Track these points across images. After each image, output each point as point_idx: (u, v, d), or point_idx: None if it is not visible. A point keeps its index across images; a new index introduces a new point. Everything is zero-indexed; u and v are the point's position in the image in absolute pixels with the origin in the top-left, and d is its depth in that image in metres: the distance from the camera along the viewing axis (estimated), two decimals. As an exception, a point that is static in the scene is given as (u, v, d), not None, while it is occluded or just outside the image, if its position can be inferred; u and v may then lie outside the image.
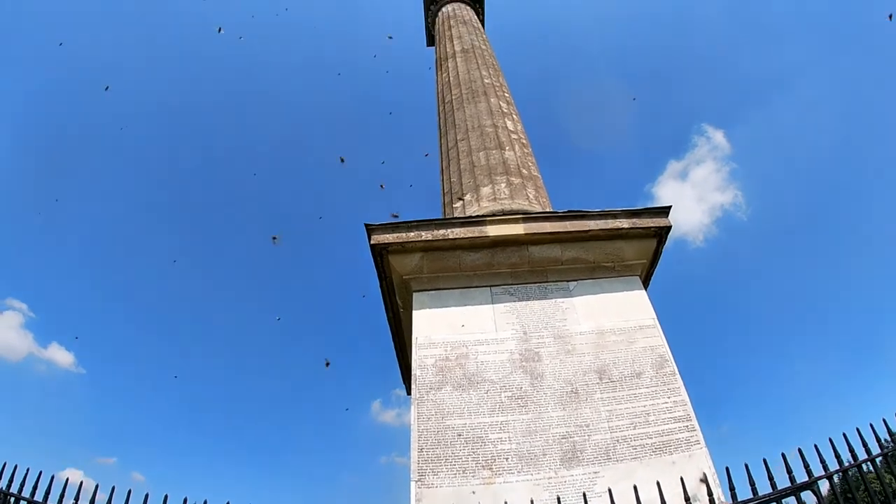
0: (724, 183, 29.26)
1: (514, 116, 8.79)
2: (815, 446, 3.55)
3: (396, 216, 7.71)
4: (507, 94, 9.34)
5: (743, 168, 29.70)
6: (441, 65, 10.89)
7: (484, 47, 10.93)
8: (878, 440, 3.57)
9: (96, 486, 3.74)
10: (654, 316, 5.27)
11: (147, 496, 3.50)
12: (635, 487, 3.37)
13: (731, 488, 3.46)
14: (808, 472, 3.47)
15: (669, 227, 5.79)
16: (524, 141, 8.32)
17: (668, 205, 5.86)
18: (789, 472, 3.45)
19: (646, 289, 5.69)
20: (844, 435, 3.62)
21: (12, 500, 3.63)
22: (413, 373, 4.88)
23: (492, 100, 8.78)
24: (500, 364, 4.92)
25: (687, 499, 3.39)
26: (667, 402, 4.57)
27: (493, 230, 5.76)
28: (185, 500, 3.67)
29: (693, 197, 30.28)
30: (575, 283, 5.62)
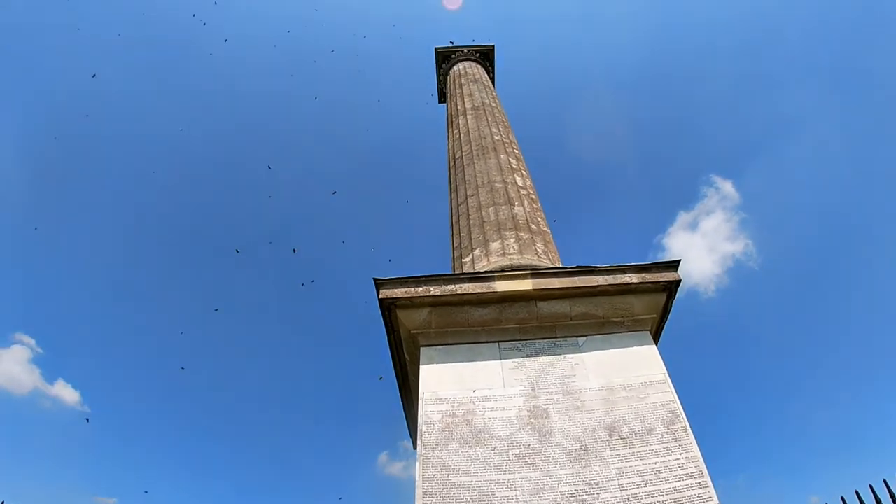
0: (735, 233, 29.33)
1: (524, 172, 9.10)
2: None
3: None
4: (516, 151, 9.69)
5: (753, 217, 29.83)
6: (452, 121, 11.36)
7: (494, 104, 11.40)
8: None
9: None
10: (665, 371, 5.34)
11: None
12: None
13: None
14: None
15: (679, 282, 5.91)
16: (533, 196, 8.58)
17: (677, 259, 6.00)
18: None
19: (656, 343, 5.77)
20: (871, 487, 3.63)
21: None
22: (419, 428, 4.96)
23: (501, 156, 9.12)
24: (508, 421, 4.98)
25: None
26: (678, 459, 4.58)
27: (502, 286, 5.92)
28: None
29: (704, 247, 30.34)
30: (584, 338, 5.72)
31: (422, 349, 5.70)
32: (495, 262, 7.09)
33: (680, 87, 32.90)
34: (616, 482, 4.49)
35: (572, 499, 4.39)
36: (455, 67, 14.30)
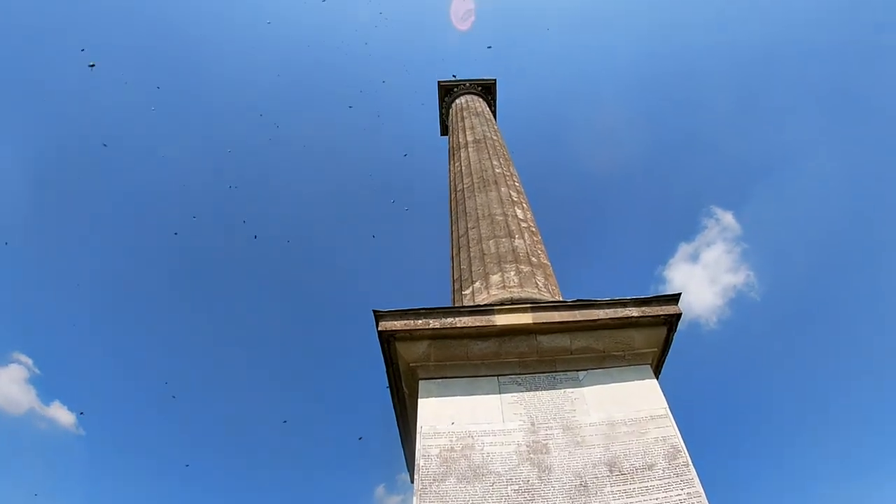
0: (736, 264, 29.44)
1: (524, 205, 9.28)
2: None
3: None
4: (517, 184, 9.89)
5: (754, 248, 29.98)
6: (454, 154, 11.60)
7: (495, 138, 11.67)
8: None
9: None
10: (666, 405, 5.39)
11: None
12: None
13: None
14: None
15: (680, 315, 6.00)
16: (534, 229, 8.74)
17: (677, 292, 6.11)
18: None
19: (657, 377, 5.83)
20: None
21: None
22: (416, 462, 5.00)
23: (502, 189, 9.30)
24: (507, 456, 5.02)
25: None
26: (680, 495, 4.60)
27: (502, 319, 6.02)
28: None
29: (705, 279, 30.43)
30: (584, 372, 5.79)
31: (420, 382, 5.77)
32: (495, 294, 7.20)
33: (679, 118, 33.43)
34: (616, 519, 4.51)
35: (572, 536, 4.41)
36: (457, 101, 14.65)
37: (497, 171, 9.94)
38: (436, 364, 5.90)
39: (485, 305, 6.42)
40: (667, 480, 4.74)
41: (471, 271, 7.91)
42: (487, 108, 14.13)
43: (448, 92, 15.78)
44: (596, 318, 5.98)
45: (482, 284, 7.56)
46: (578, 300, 6.16)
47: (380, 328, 5.98)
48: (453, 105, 14.66)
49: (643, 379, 5.71)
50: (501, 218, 8.57)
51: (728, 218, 31.29)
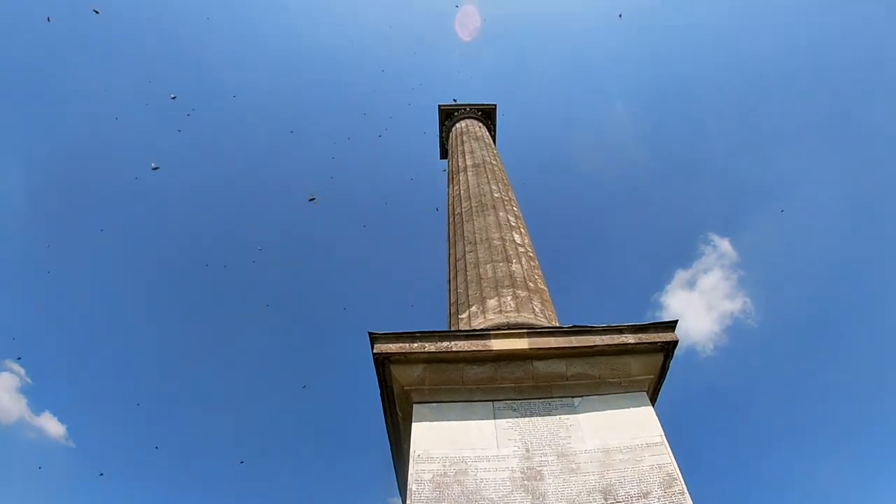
0: (733, 290, 29.62)
1: (522, 230, 9.41)
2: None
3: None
4: (515, 209, 10.04)
5: (751, 275, 30.17)
6: (453, 178, 11.78)
7: (494, 162, 11.85)
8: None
9: None
10: (662, 433, 5.43)
11: None
12: None
13: None
14: None
15: (676, 342, 6.08)
16: (531, 254, 8.85)
17: (674, 319, 6.19)
18: None
19: (653, 404, 5.89)
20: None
21: None
22: (409, 487, 5.02)
23: (500, 213, 9.44)
24: (501, 482, 5.05)
25: None
26: (674, 525, 4.64)
27: (498, 344, 6.09)
28: None
29: (702, 305, 30.60)
30: (580, 399, 5.84)
31: (415, 406, 5.82)
32: (492, 319, 7.28)
33: (677, 145, 33.92)
34: (610, 547, 4.54)
35: (565, 564, 4.43)
36: (457, 125, 14.89)
37: (496, 195, 10.09)
38: (430, 388, 5.95)
39: (481, 330, 6.49)
40: (662, 509, 4.78)
41: (467, 295, 8.00)
42: (487, 133, 14.36)
43: (448, 116, 16.06)
44: (592, 344, 6.05)
45: (479, 308, 7.64)
46: (575, 326, 6.24)
47: (375, 350, 6.04)
48: (453, 129, 14.91)
49: (639, 406, 5.76)
50: (499, 242, 8.69)
51: (725, 245, 31.54)
